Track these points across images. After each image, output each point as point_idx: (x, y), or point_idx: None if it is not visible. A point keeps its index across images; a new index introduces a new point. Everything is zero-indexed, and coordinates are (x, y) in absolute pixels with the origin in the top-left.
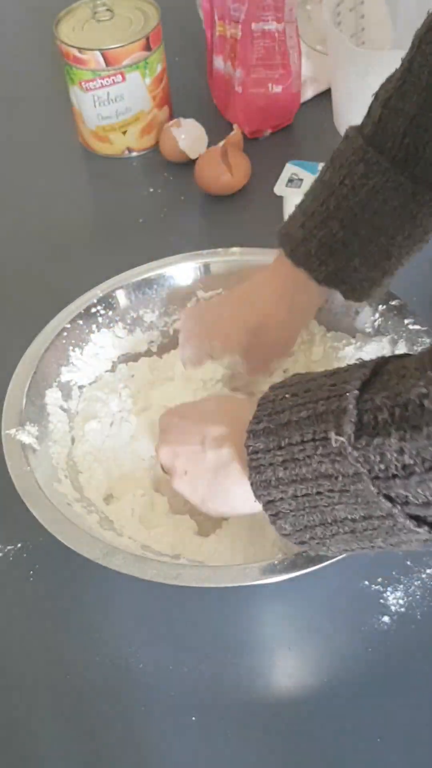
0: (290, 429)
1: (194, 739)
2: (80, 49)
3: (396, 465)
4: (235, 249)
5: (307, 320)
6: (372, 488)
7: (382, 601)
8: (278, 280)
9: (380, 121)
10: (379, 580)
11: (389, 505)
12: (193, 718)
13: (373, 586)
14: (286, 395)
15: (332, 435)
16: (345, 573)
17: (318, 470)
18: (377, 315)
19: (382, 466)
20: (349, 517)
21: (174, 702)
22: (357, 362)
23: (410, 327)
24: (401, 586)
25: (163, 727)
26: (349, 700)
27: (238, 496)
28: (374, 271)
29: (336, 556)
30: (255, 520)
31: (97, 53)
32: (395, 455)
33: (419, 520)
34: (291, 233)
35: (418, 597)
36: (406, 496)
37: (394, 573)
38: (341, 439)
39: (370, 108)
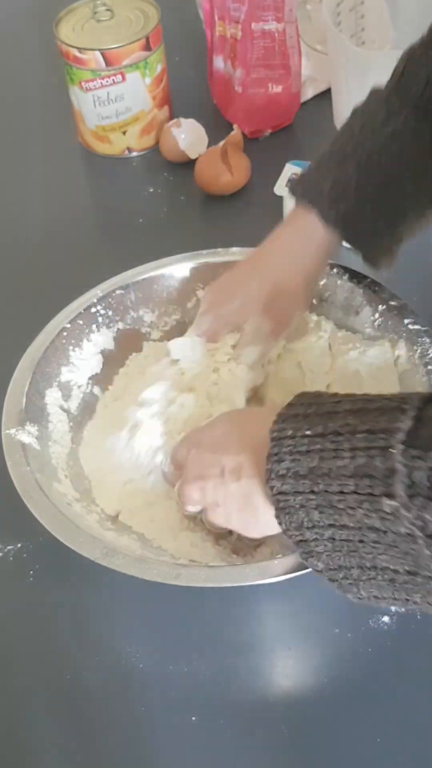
0: (324, 477)
1: (194, 739)
2: (80, 49)
3: None
4: (235, 249)
5: (320, 272)
6: (426, 551)
7: None
8: (290, 234)
9: (404, 72)
10: None
11: None
12: (193, 718)
13: None
14: (307, 432)
15: (386, 500)
16: None
17: (363, 522)
18: (377, 315)
19: None
20: (392, 567)
21: (174, 702)
22: (386, 397)
23: (410, 327)
24: None
25: (163, 727)
26: (349, 700)
27: (269, 522)
28: (382, 220)
29: (363, 601)
30: None
31: (97, 53)
32: None
33: None
34: (305, 175)
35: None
36: None
37: None
38: (394, 503)
39: (395, 68)
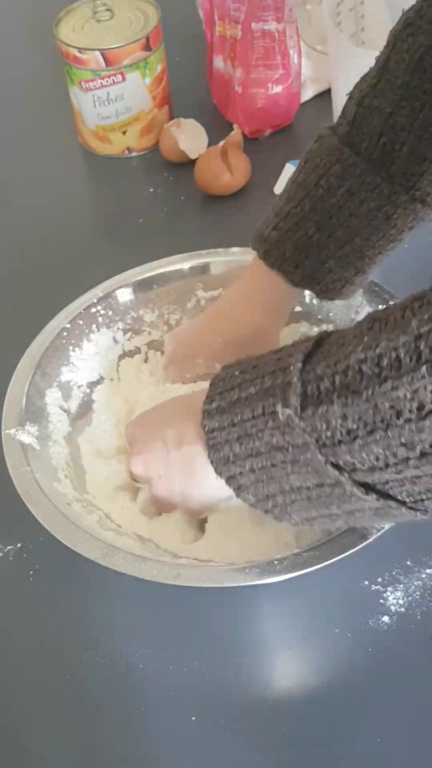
0: (241, 405)
1: (194, 739)
2: (80, 49)
3: (341, 431)
4: (235, 249)
5: (284, 321)
6: (319, 456)
7: (382, 601)
8: (253, 286)
9: (355, 121)
10: (379, 580)
11: (336, 472)
12: (193, 718)
13: (373, 586)
14: (236, 372)
15: (279, 408)
16: (345, 573)
17: (270, 443)
18: None
19: (328, 434)
20: (304, 485)
21: (174, 702)
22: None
23: None
24: (401, 586)
25: (163, 727)
26: (349, 700)
27: (211, 484)
28: (348, 270)
29: (303, 526)
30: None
31: (97, 53)
32: (339, 421)
33: (367, 488)
34: (264, 235)
35: (417, 597)
36: (353, 463)
37: (394, 573)
38: (288, 411)
39: (345, 107)
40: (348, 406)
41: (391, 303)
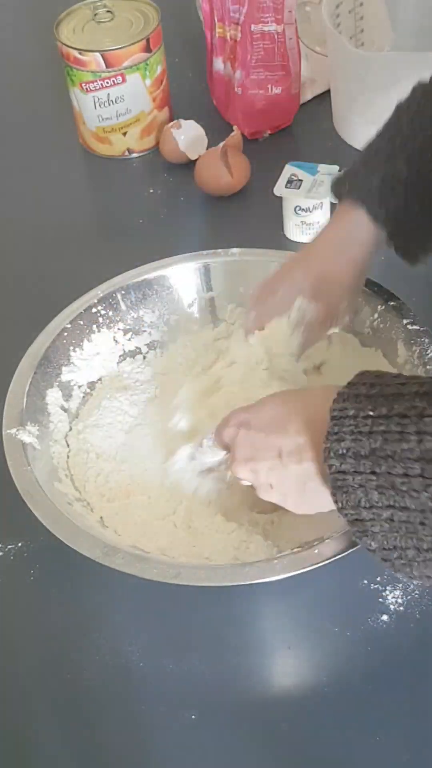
0: (388, 459)
1: (194, 739)
2: (81, 51)
3: None
4: (235, 249)
5: (368, 266)
6: None
7: (381, 600)
8: (336, 231)
9: None
10: (378, 579)
11: None
12: (193, 717)
13: (373, 585)
14: (370, 413)
15: None
16: (344, 572)
17: (427, 505)
18: (376, 315)
19: None
20: None
21: (174, 702)
22: None
23: (409, 327)
24: (400, 585)
25: (163, 725)
26: (349, 700)
27: (325, 505)
28: (427, 218)
29: (414, 581)
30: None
31: (98, 55)
32: None
33: None
34: (352, 171)
35: (416, 596)
36: None
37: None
38: None
39: None
40: None
41: (391, 303)
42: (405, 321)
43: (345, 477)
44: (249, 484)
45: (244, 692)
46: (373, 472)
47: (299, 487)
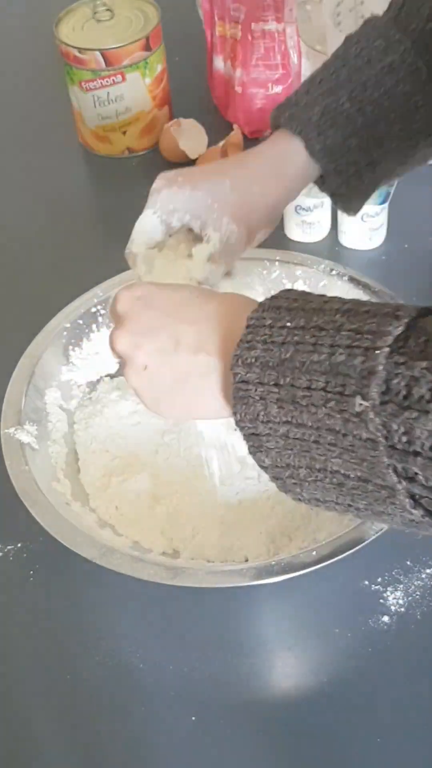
0: (295, 370)
1: (194, 739)
2: (80, 50)
3: (424, 444)
4: None
5: (293, 197)
6: (385, 459)
7: (382, 601)
8: (270, 155)
9: (404, 5)
10: (379, 580)
11: (395, 478)
12: (193, 718)
13: (373, 586)
14: (288, 324)
15: (357, 400)
16: (345, 573)
17: (323, 422)
18: None
19: (405, 439)
20: (343, 472)
21: (174, 702)
22: (380, 303)
23: None
24: (401, 586)
25: (163, 727)
26: (349, 700)
27: (204, 408)
28: (364, 157)
29: (302, 502)
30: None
31: (97, 53)
32: (427, 434)
33: (415, 501)
34: (293, 100)
35: (417, 597)
36: (416, 474)
37: (394, 573)
38: (366, 404)
39: None
40: None
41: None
42: None
43: (248, 387)
44: (117, 360)
45: (245, 693)
46: (276, 384)
47: (180, 379)
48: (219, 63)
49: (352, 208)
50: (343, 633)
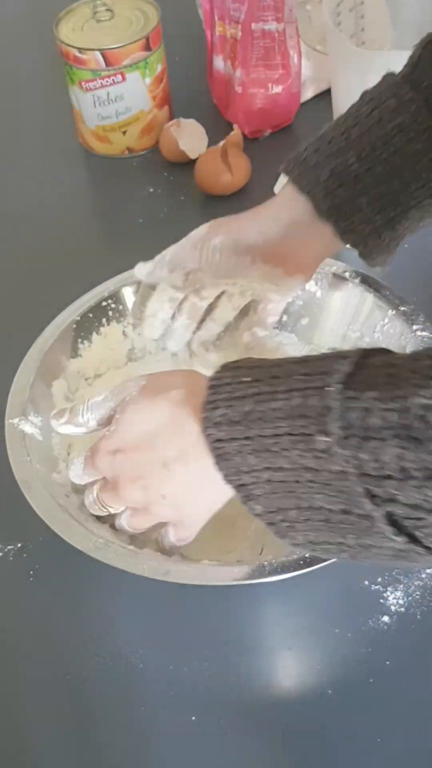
0: (259, 421)
1: (194, 739)
2: (80, 49)
3: (393, 467)
4: None
5: (311, 267)
6: (358, 488)
7: (382, 601)
8: (282, 210)
9: (418, 61)
10: (379, 580)
11: (371, 506)
12: (193, 718)
13: (373, 586)
14: (244, 378)
15: (320, 437)
16: (345, 573)
17: (298, 462)
18: (386, 320)
19: (375, 465)
20: (326, 507)
21: (174, 702)
22: (331, 353)
23: (418, 333)
24: (401, 586)
25: (163, 726)
26: (349, 700)
27: (216, 491)
28: (379, 215)
29: (300, 548)
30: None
31: (97, 53)
32: (393, 458)
33: (398, 527)
34: (302, 157)
35: (418, 597)
36: (395, 494)
37: (394, 573)
38: (328, 440)
39: (411, 56)
40: (407, 450)
41: (402, 308)
42: (415, 326)
43: (222, 445)
44: (119, 509)
45: (245, 693)
46: (246, 437)
47: (191, 487)
48: (219, 63)
49: (377, 263)
50: (343, 633)
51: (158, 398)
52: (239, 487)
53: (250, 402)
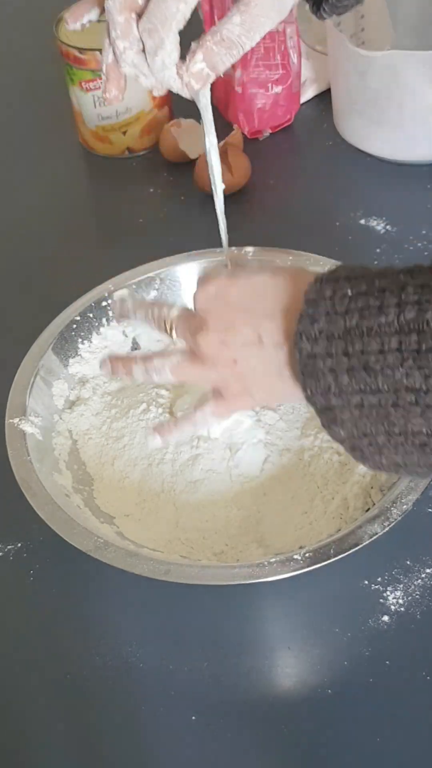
0: (363, 335)
1: (194, 739)
2: (80, 49)
3: None
4: (249, 248)
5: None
6: None
7: (382, 600)
8: None
9: None
10: (379, 579)
11: None
12: (193, 718)
13: (373, 585)
14: (348, 292)
15: None
16: (345, 573)
17: (401, 382)
18: None
19: None
20: (425, 431)
21: (174, 702)
22: None
23: None
24: (401, 585)
25: (163, 726)
26: (349, 700)
27: (290, 393)
28: None
29: (381, 470)
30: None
31: (97, 53)
32: None
33: None
34: None
35: (417, 597)
36: None
37: (394, 572)
38: None
39: None
40: None
41: None
42: None
43: (315, 361)
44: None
45: (245, 693)
46: (345, 353)
47: (268, 371)
48: None
49: (322, 12)
50: (343, 633)
51: (277, 280)
52: (324, 410)
53: (355, 316)
